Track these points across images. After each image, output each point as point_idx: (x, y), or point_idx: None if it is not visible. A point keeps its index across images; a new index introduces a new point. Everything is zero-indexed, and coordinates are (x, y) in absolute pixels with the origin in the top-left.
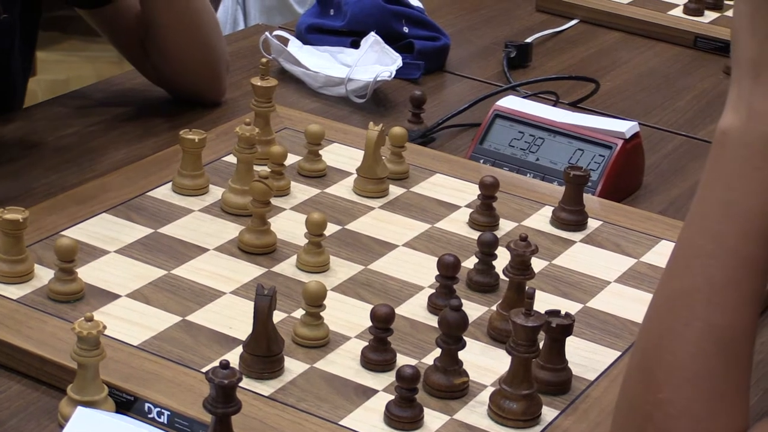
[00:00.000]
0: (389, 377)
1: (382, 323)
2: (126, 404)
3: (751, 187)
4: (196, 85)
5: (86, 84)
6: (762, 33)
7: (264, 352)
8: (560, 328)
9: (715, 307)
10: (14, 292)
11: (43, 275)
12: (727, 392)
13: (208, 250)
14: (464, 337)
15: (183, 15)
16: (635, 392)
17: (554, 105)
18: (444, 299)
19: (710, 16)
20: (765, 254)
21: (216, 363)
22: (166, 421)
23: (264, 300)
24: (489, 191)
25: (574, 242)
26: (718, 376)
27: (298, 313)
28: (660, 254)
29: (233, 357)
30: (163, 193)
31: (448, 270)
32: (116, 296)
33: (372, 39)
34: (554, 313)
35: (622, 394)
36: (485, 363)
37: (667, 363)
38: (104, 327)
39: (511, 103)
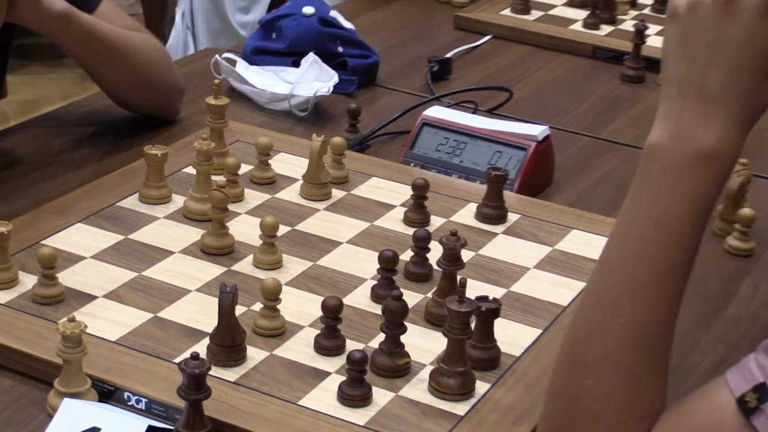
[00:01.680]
0: (340, 360)
1: (332, 313)
2: (107, 394)
3: (675, 198)
4: (150, 110)
5: (53, 103)
6: (690, 55)
7: (229, 342)
8: (489, 311)
9: (639, 305)
10: (1, 297)
11: (27, 281)
12: (647, 379)
13: (173, 252)
14: (405, 323)
15: (113, 62)
16: (565, 379)
17: (474, 112)
18: (385, 289)
19: (606, 29)
20: (685, 258)
21: (186, 354)
22: (144, 408)
23: (227, 296)
24: (420, 192)
25: (496, 234)
26: (639, 365)
27: (257, 306)
28: (571, 242)
29: (201, 348)
30: (131, 203)
31: (387, 263)
32: (94, 297)
33: (311, 59)
34: (483, 298)
35: (553, 380)
36: (424, 345)
37: (595, 353)
38: (85, 326)
39: (436, 112)
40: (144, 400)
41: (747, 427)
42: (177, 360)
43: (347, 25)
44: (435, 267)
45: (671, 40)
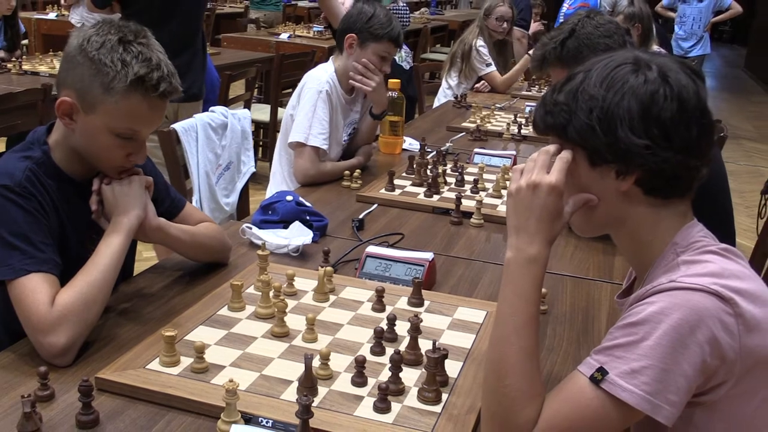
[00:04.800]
0: (368, 389)
1: (360, 364)
2: (248, 420)
3: (521, 284)
4: (213, 261)
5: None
6: (519, 214)
7: (310, 384)
8: (441, 356)
9: (521, 338)
10: (173, 371)
11: (185, 361)
12: (535, 376)
13: (257, 338)
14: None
15: (190, 246)
16: (491, 383)
17: (389, 246)
18: (378, 348)
19: (436, 197)
20: (534, 312)
21: (285, 394)
22: (271, 426)
23: (309, 359)
24: (380, 293)
25: (421, 312)
26: (530, 372)
27: (316, 362)
28: (460, 313)
29: (291, 389)
30: (224, 311)
31: (378, 333)
32: (223, 367)
33: (297, 224)
34: (435, 348)
35: (484, 386)
36: (407, 376)
37: (505, 366)
38: (238, 384)
39: (373, 249)
40: (271, 421)
41: (598, 390)
42: (282, 397)
43: (309, 204)
44: (399, 334)
45: (509, 207)
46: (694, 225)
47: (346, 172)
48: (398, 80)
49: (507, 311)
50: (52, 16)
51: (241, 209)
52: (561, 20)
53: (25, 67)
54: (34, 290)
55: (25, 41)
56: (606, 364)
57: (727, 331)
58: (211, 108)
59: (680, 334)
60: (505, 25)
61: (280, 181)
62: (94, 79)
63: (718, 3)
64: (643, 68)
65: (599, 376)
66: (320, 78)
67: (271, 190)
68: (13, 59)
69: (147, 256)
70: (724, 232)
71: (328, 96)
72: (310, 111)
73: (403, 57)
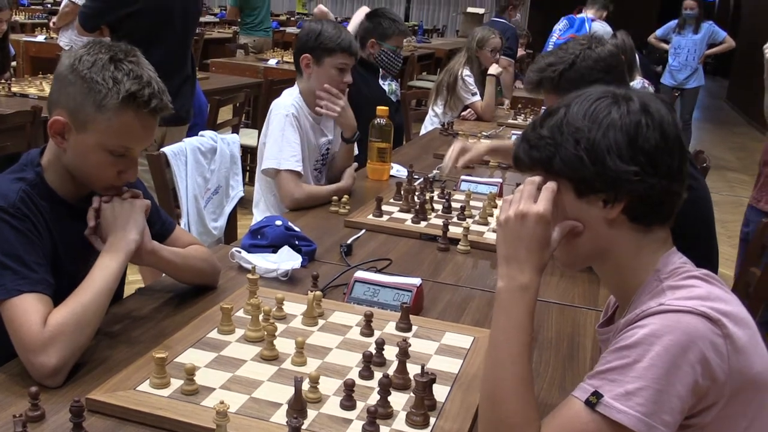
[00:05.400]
0: (357, 412)
1: (349, 388)
2: None
3: (514, 311)
4: (203, 284)
5: None
6: (508, 243)
7: (300, 407)
8: (430, 380)
9: (516, 364)
10: (164, 392)
11: (175, 383)
12: (530, 400)
13: (247, 361)
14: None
15: (182, 269)
16: (487, 415)
17: (377, 271)
18: (367, 371)
19: (424, 224)
20: (527, 340)
21: (274, 416)
22: None
23: (299, 382)
24: (368, 318)
25: (409, 337)
26: (526, 398)
27: (305, 385)
28: (448, 338)
29: (281, 412)
30: (214, 334)
31: (367, 358)
32: (213, 389)
33: (286, 248)
34: (423, 372)
35: (481, 418)
36: (395, 400)
37: (501, 395)
38: (228, 406)
39: (361, 274)
40: None
41: (593, 414)
42: (271, 419)
43: (297, 229)
44: (388, 359)
45: (499, 237)
46: (674, 252)
47: (334, 197)
48: (386, 107)
49: (501, 338)
50: (41, 38)
51: (229, 233)
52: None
53: (14, 89)
54: (27, 310)
55: (13, 63)
56: (600, 388)
57: (717, 352)
58: (200, 132)
59: (673, 355)
60: (497, 56)
61: (264, 210)
62: (86, 97)
63: (713, 36)
64: (623, 101)
65: (594, 400)
66: (285, 102)
67: (256, 218)
68: (2, 81)
69: (132, 280)
70: (710, 256)
71: (295, 119)
72: (279, 135)
73: (394, 89)
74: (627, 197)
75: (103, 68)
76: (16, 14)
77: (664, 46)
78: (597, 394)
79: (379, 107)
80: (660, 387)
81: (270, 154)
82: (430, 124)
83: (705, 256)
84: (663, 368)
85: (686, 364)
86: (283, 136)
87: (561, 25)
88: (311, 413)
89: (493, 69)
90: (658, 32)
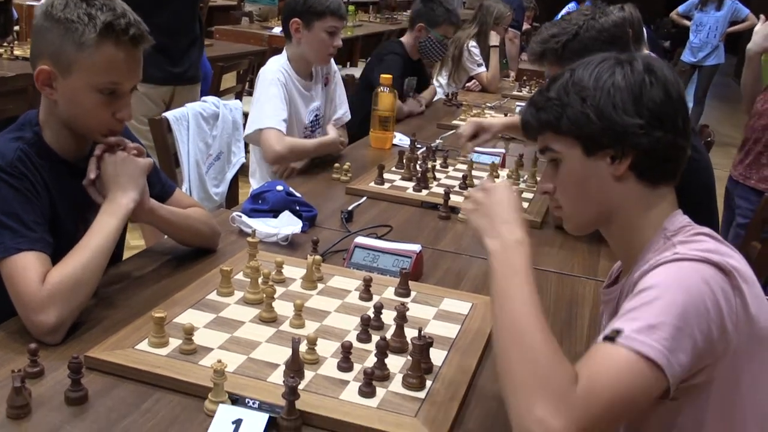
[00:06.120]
0: (354, 374)
1: (347, 350)
2: (235, 400)
3: (517, 259)
4: (202, 246)
5: None
6: (487, 217)
7: (297, 368)
8: (426, 343)
9: (533, 305)
10: (162, 351)
11: (173, 342)
12: (555, 341)
13: (245, 322)
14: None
15: (180, 228)
16: (517, 356)
17: (378, 238)
18: (365, 335)
19: (425, 192)
20: (533, 286)
21: (272, 376)
22: (257, 407)
23: (296, 343)
24: (367, 282)
25: (407, 302)
26: (551, 335)
27: (303, 347)
28: (446, 304)
29: (278, 373)
30: (214, 296)
31: (365, 321)
32: (211, 349)
33: (286, 213)
34: (422, 336)
35: (510, 365)
36: (392, 362)
37: (530, 333)
38: (226, 365)
39: (361, 240)
40: (257, 401)
41: (619, 348)
42: (268, 379)
43: (298, 194)
44: (386, 323)
45: (477, 220)
46: (679, 213)
47: (336, 164)
48: (390, 75)
49: (509, 289)
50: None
51: (230, 199)
52: None
53: (17, 52)
54: (26, 268)
55: (16, 27)
56: (624, 325)
57: (728, 301)
58: (203, 98)
59: (692, 296)
60: (508, 31)
61: (260, 179)
62: (64, 39)
63: (735, 13)
64: (626, 62)
65: (615, 334)
66: (272, 68)
67: (253, 188)
68: (5, 44)
69: (135, 245)
70: (711, 222)
71: (280, 83)
72: (263, 98)
73: (413, 85)
74: (633, 152)
75: (75, 7)
76: None
77: (686, 22)
78: (618, 331)
79: (382, 75)
80: (679, 324)
81: (253, 119)
82: None
83: (707, 222)
84: (682, 307)
85: (703, 307)
86: (267, 96)
87: (570, 7)
88: (308, 374)
89: (493, 39)
90: (680, 8)
